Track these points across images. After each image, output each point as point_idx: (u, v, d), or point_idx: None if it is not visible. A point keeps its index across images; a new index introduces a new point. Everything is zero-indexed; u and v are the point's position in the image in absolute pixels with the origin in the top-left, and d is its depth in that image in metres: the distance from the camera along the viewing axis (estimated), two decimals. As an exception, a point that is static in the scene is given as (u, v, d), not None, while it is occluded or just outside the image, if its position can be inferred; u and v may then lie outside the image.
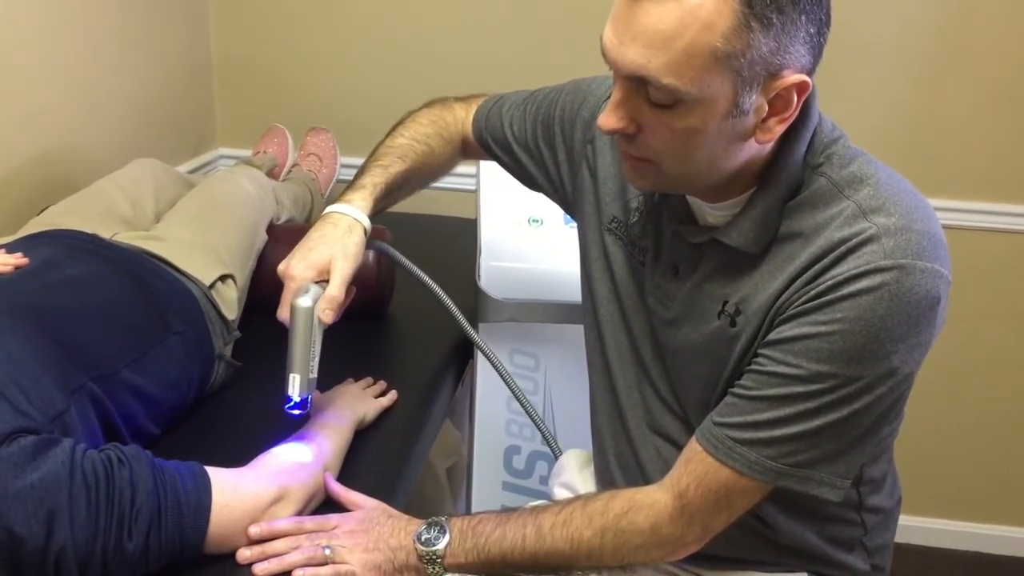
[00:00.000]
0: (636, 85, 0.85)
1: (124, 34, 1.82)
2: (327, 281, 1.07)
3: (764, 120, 0.86)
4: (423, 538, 0.99)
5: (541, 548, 0.97)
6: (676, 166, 0.90)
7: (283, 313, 1.06)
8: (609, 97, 1.12)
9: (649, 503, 0.96)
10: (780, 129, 0.87)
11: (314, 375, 1.07)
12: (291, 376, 1.05)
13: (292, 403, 1.06)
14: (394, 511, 1.05)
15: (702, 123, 0.84)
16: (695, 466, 0.94)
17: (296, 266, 1.07)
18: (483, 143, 1.29)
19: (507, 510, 1.02)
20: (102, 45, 1.75)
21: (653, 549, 0.97)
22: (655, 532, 0.95)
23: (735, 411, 0.92)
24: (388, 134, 1.28)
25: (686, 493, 0.94)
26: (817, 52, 0.85)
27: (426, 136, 1.26)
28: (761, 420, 0.90)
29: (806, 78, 0.84)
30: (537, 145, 1.22)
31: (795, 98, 0.85)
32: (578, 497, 1.02)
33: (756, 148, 0.89)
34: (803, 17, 0.81)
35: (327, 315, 1.05)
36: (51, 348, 0.99)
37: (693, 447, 0.95)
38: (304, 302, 1.04)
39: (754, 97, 0.83)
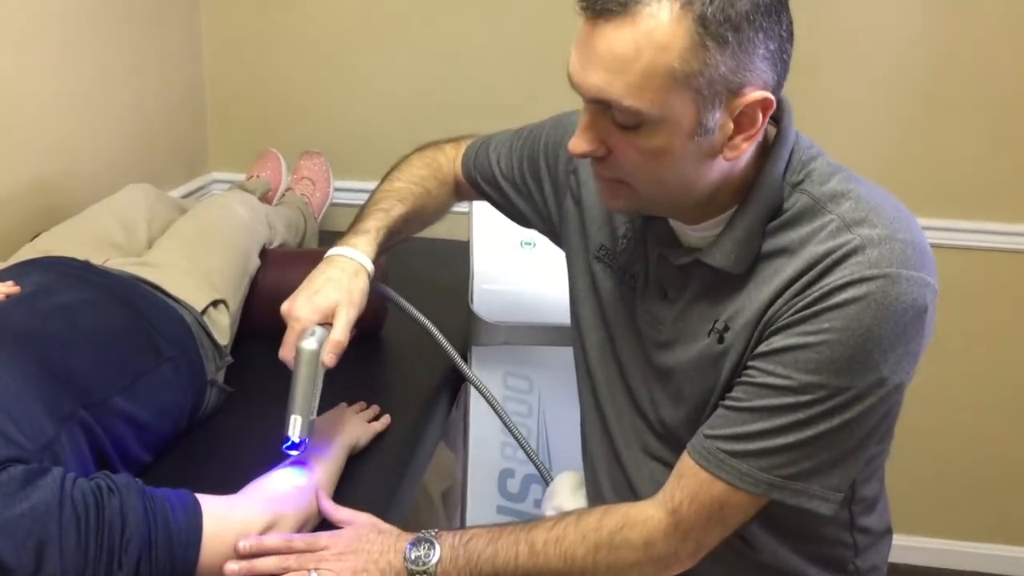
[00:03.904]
0: (601, 108, 0.87)
1: (118, 60, 1.82)
2: (330, 324, 1.07)
3: (731, 138, 0.87)
4: (413, 556, 0.99)
5: (534, 565, 0.97)
6: (648, 186, 0.91)
7: (286, 354, 1.06)
8: None
9: (643, 519, 0.96)
10: (747, 147, 0.88)
11: (314, 416, 1.07)
12: (292, 418, 1.04)
13: (291, 443, 1.05)
14: (384, 526, 1.04)
15: (668, 143, 0.85)
16: (688, 481, 0.94)
17: (301, 308, 1.07)
18: (473, 182, 1.30)
19: (498, 525, 1.01)
20: (96, 71, 1.75)
21: (647, 566, 0.97)
22: (649, 549, 0.95)
23: (726, 423, 0.92)
24: (384, 179, 1.29)
25: (679, 509, 0.94)
26: (780, 68, 0.86)
27: (422, 178, 1.28)
28: (752, 431, 0.90)
29: (769, 95, 0.85)
30: (524, 180, 1.23)
31: (760, 115, 0.86)
32: (571, 513, 1.01)
33: (728, 166, 0.90)
34: (760, 35, 0.82)
35: (330, 359, 1.05)
36: (42, 375, 0.99)
37: (685, 462, 0.95)
38: (310, 345, 1.04)
39: (717, 115, 0.85)
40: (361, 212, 1.23)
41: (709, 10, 0.80)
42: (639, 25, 0.81)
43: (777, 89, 0.87)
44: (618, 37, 0.82)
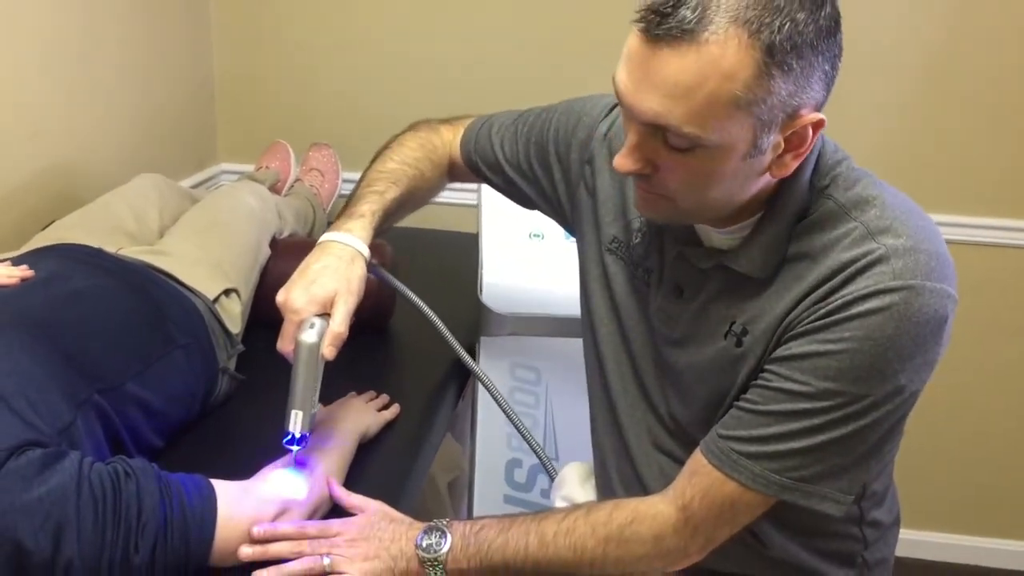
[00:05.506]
0: (653, 130, 0.85)
1: (128, 51, 1.83)
2: (329, 314, 1.04)
3: (780, 156, 0.86)
4: (424, 544, 1.00)
5: (544, 556, 0.98)
6: (691, 202, 0.90)
7: (285, 346, 1.04)
8: (607, 115, 1.13)
9: (653, 514, 0.97)
10: (795, 164, 0.87)
11: (315, 410, 1.04)
12: (293, 412, 1.01)
13: (292, 438, 1.02)
14: (395, 514, 1.05)
15: (720, 165, 0.84)
16: (700, 479, 0.94)
17: (298, 299, 1.04)
18: (472, 166, 1.27)
19: (509, 516, 1.02)
20: (106, 62, 1.76)
21: (656, 560, 0.98)
22: (658, 543, 0.96)
23: (741, 425, 0.92)
24: (376, 158, 1.25)
25: (690, 505, 0.94)
26: (830, 86, 0.85)
27: (416, 160, 1.24)
28: (767, 434, 0.90)
29: (822, 116, 0.84)
30: (531, 166, 1.21)
31: (811, 134, 0.85)
32: (580, 506, 1.02)
33: (768, 179, 0.90)
34: (820, 58, 0.81)
35: (330, 351, 1.03)
36: (57, 361, 1.00)
37: (698, 459, 0.95)
38: (309, 338, 1.01)
39: (772, 137, 0.84)
40: (354, 194, 1.19)
41: (777, 39, 0.78)
42: (704, 53, 0.78)
43: (824, 105, 0.86)
44: (681, 64, 0.79)
